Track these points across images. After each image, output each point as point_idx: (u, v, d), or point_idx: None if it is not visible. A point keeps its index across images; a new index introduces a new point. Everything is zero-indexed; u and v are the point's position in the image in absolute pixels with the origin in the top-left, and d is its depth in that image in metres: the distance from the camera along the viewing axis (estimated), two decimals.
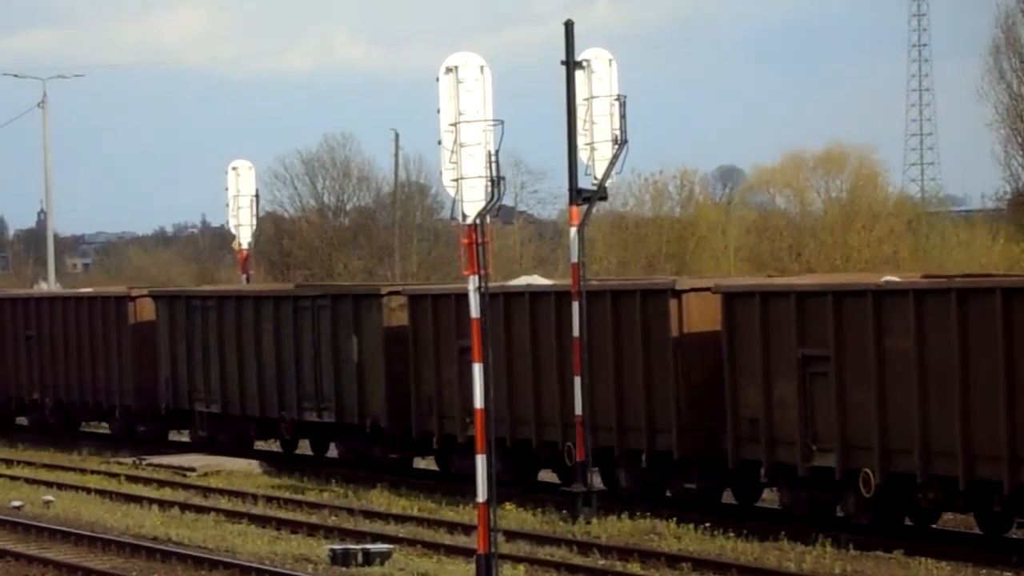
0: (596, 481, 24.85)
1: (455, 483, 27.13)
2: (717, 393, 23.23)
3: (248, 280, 38.94)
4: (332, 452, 31.69)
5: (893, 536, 21.64)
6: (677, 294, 23.68)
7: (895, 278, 22.69)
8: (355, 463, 29.75)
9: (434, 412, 27.50)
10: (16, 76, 65.86)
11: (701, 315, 23.58)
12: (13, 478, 31.28)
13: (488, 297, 17.02)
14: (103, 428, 38.01)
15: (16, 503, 27.46)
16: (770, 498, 24.44)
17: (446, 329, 27.01)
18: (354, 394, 29.02)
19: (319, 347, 29.77)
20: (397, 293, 28.63)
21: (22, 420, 39.42)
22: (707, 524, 22.79)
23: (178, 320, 33.40)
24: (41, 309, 37.56)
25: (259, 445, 33.48)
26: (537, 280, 28.63)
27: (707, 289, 23.60)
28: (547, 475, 27.13)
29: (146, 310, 34.64)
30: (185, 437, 35.04)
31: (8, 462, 33.72)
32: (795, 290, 22.56)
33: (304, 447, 32.73)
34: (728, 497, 24.83)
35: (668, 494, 24.56)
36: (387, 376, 28.30)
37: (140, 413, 34.95)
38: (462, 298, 25.62)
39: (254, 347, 31.43)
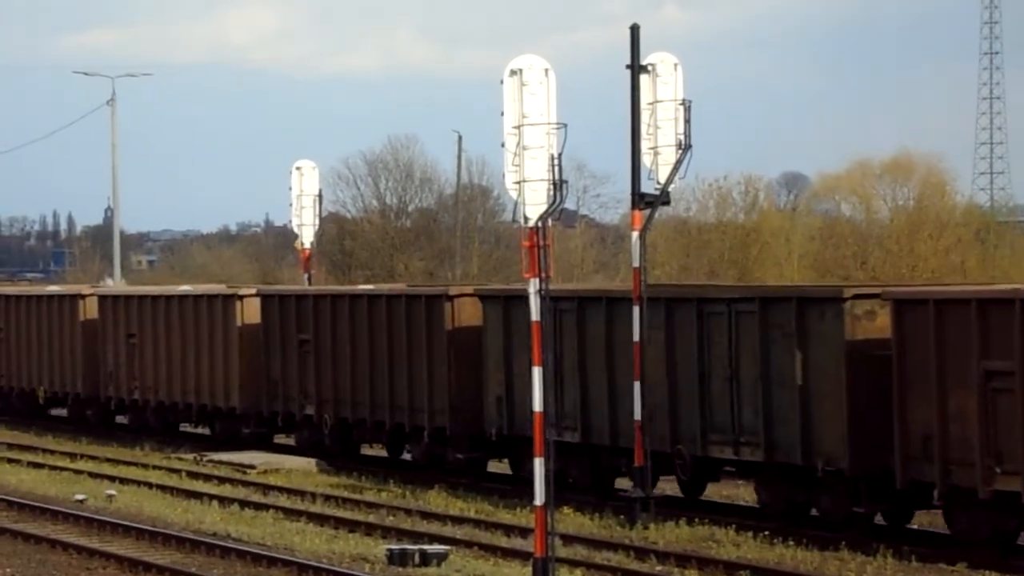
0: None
1: (922, 546, 21.68)
2: None
3: (310, 280, 38.70)
4: (707, 494, 25.85)
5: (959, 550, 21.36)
6: None
7: None
8: (782, 515, 23.48)
9: (936, 456, 21.11)
10: (86, 74, 66.71)
11: None
12: (77, 472, 31.57)
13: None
14: (381, 451, 31.71)
15: (80, 497, 27.72)
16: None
17: (957, 345, 20.81)
18: (795, 427, 22.74)
19: (737, 364, 23.58)
20: (871, 296, 22.28)
21: (284, 439, 33.84)
22: (766, 532, 22.66)
23: (516, 325, 26.65)
24: (319, 309, 31.06)
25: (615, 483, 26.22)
26: None
27: None
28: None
29: (466, 312, 28.19)
30: (506, 468, 28.85)
31: (71, 455, 34.05)
32: None
33: (671, 486, 25.70)
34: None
35: None
36: (850, 404, 22.01)
37: (455, 437, 28.49)
38: (988, 305, 20.31)
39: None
